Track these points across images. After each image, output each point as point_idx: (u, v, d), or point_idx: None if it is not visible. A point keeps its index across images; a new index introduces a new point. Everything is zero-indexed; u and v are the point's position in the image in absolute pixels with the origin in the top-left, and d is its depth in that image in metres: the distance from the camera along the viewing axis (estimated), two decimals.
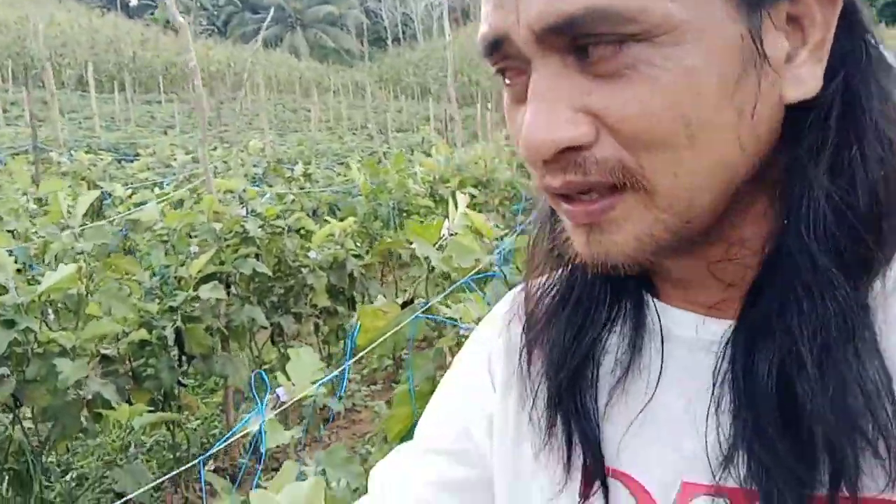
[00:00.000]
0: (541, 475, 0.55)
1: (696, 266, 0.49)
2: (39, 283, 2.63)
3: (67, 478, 3.27)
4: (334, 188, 6.31)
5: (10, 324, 2.47)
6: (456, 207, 2.27)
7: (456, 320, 2.07)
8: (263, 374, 1.74)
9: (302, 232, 4.33)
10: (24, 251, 2.75)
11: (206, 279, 3.41)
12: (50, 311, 2.63)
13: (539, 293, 0.57)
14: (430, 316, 1.96)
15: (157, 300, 3.25)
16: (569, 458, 0.53)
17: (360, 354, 2.33)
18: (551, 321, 0.55)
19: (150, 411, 2.84)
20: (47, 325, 2.75)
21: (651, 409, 0.51)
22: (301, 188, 6.57)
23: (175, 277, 3.36)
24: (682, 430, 0.49)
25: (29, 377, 2.54)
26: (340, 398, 1.92)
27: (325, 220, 4.55)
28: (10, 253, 2.59)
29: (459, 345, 2.11)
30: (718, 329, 0.49)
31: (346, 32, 54.27)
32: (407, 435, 2.05)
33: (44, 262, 2.89)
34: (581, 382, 0.53)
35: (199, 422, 3.83)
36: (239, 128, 19.76)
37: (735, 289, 0.48)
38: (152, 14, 44.36)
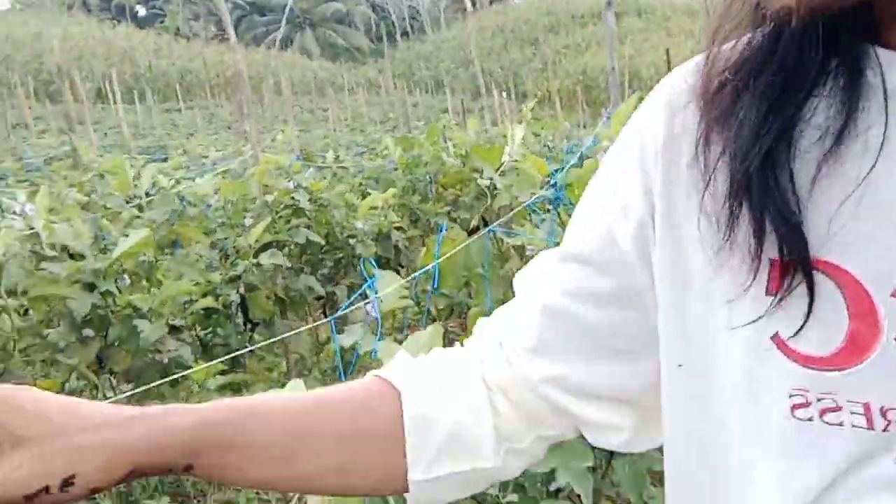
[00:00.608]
0: (719, 277, 0.45)
1: None
2: (112, 251, 2.74)
3: None
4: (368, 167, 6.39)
5: (91, 287, 2.57)
6: (514, 138, 2.33)
7: (521, 245, 2.13)
8: (371, 259, 1.81)
9: (347, 205, 4.42)
10: (94, 221, 2.86)
11: (262, 249, 3.51)
12: (126, 276, 2.73)
13: (728, 60, 0.46)
14: (502, 230, 2.02)
15: (217, 271, 3.34)
16: (759, 251, 0.43)
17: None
18: (741, 93, 0.45)
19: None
20: (119, 291, 2.85)
21: (871, 183, 0.41)
22: (334, 175, 6.67)
23: (233, 247, 3.45)
24: None
25: (111, 339, 2.65)
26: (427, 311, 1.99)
27: (367, 192, 4.63)
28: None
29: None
30: None
31: (354, 29, 54.42)
32: None
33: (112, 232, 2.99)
34: (776, 162, 0.43)
35: (263, 390, 3.93)
36: (261, 129, 19.92)
37: None
38: (163, 22, 44.74)
